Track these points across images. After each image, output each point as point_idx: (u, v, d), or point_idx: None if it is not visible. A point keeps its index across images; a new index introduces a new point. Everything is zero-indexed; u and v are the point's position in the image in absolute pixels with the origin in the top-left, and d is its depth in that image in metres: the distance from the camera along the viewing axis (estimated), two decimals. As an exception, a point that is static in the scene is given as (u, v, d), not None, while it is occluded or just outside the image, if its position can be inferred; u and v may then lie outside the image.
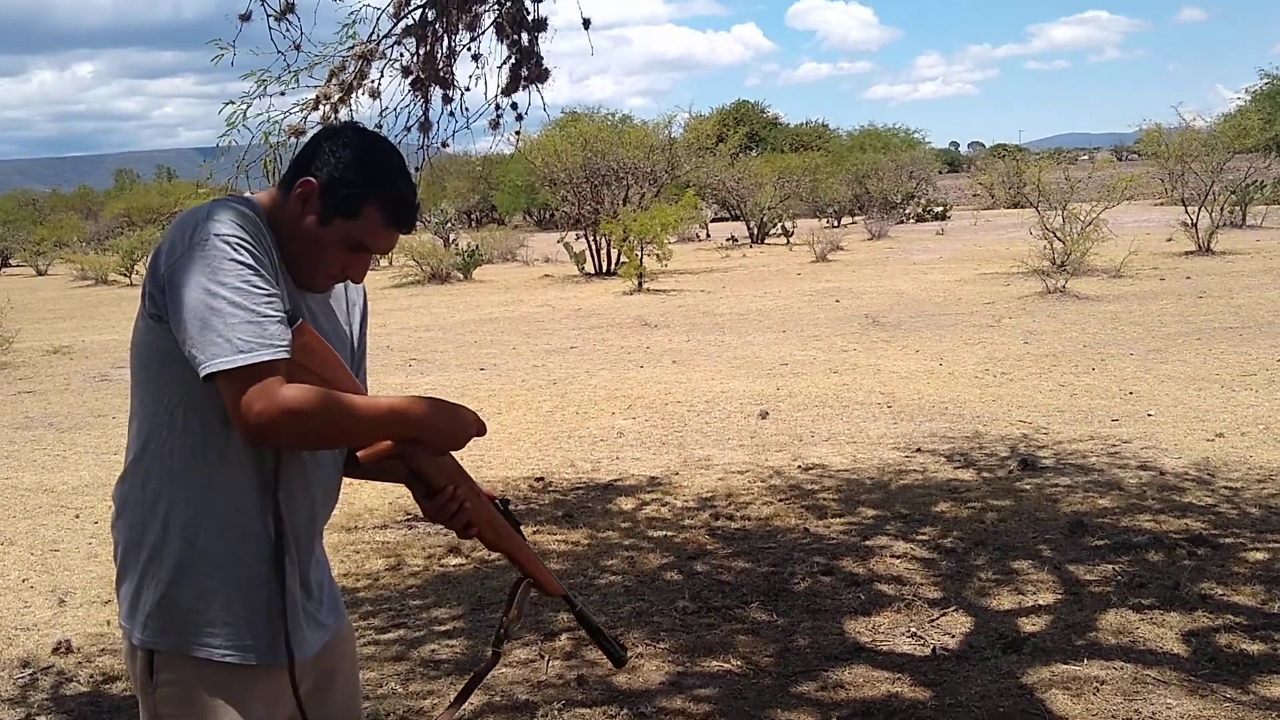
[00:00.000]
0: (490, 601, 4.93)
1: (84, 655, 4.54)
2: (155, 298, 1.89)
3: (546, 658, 4.29)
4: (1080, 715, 3.62)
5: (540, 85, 6.06)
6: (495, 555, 5.50)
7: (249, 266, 1.83)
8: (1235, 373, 9.65)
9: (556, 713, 3.79)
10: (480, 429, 2.02)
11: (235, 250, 1.83)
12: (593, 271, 23.73)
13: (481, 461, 7.65)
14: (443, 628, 4.66)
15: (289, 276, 1.99)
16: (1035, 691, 3.82)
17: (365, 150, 1.99)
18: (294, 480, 2.00)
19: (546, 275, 24.65)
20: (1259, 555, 5.08)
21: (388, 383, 11.01)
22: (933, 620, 4.54)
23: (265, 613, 1.96)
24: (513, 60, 5.99)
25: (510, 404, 9.73)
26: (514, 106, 6.07)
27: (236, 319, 1.80)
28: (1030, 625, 4.42)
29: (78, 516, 6.69)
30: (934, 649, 4.24)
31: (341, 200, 1.95)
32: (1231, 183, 23.68)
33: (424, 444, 1.94)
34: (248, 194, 2.05)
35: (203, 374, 1.80)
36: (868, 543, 5.56)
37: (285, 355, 1.83)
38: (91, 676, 4.33)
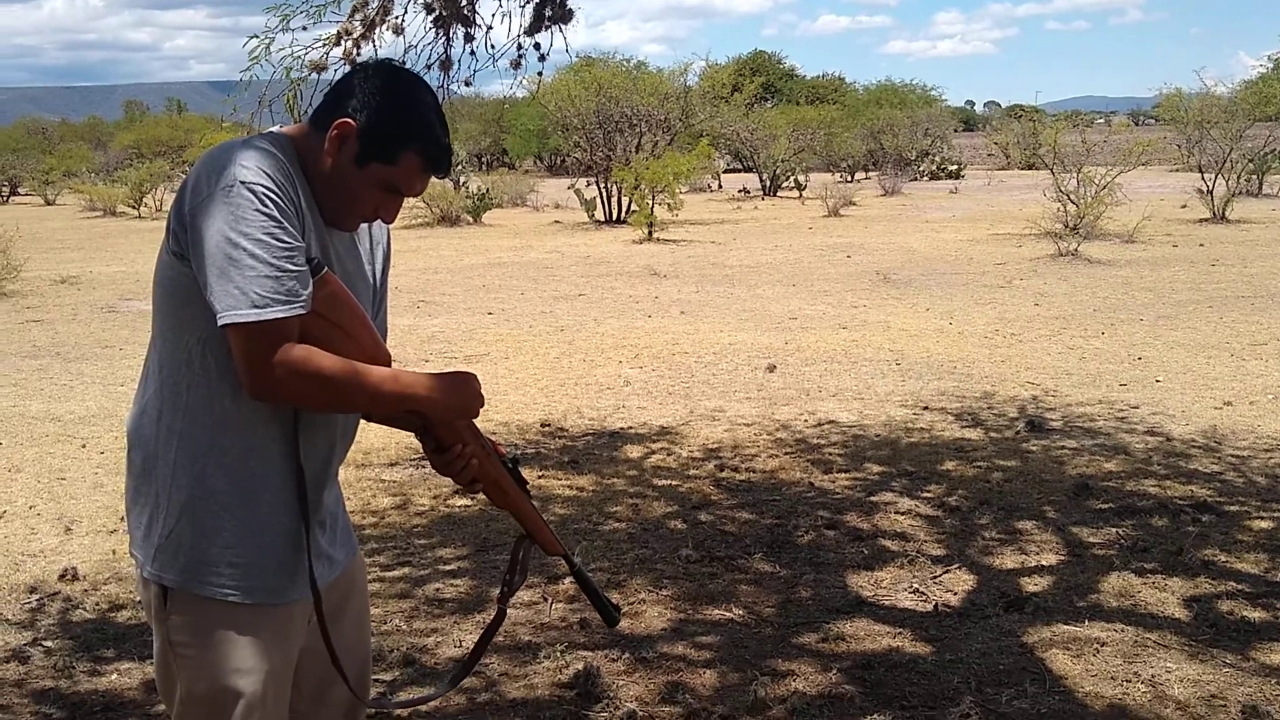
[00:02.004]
0: (495, 544, 4.95)
1: (90, 583, 4.57)
2: (178, 235, 1.89)
3: (550, 601, 4.32)
4: (1080, 676, 3.64)
5: (563, 26, 6.00)
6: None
7: (273, 219, 1.82)
8: (1245, 341, 9.62)
9: (559, 654, 3.82)
10: (481, 402, 2.04)
11: (261, 201, 1.82)
12: (603, 219, 23.64)
13: (489, 405, 7.65)
14: (447, 567, 4.68)
15: (317, 214, 1.98)
16: (1035, 651, 3.84)
17: (405, 93, 1.97)
18: (315, 420, 2.01)
19: (556, 221, 24.56)
20: (1263, 524, 5.08)
21: (396, 324, 10.92)
22: (935, 577, 4.55)
23: (273, 553, 1.98)
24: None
25: (518, 349, 9.72)
26: (536, 47, 6.00)
27: (255, 272, 1.79)
28: (1032, 585, 4.44)
29: (84, 446, 6.72)
30: (936, 605, 4.26)
31: (380, 144, 1.93)
32: (1250, 151, 23.47)
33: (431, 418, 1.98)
34: (276, 129, 2.02)
35: (220, 323, 1.81)
36: (872, 498, 5.57)
37: (301, 312, 1.83)
38: (97, 604, 4.36)
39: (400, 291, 13.29)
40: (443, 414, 1.97)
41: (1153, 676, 3.61)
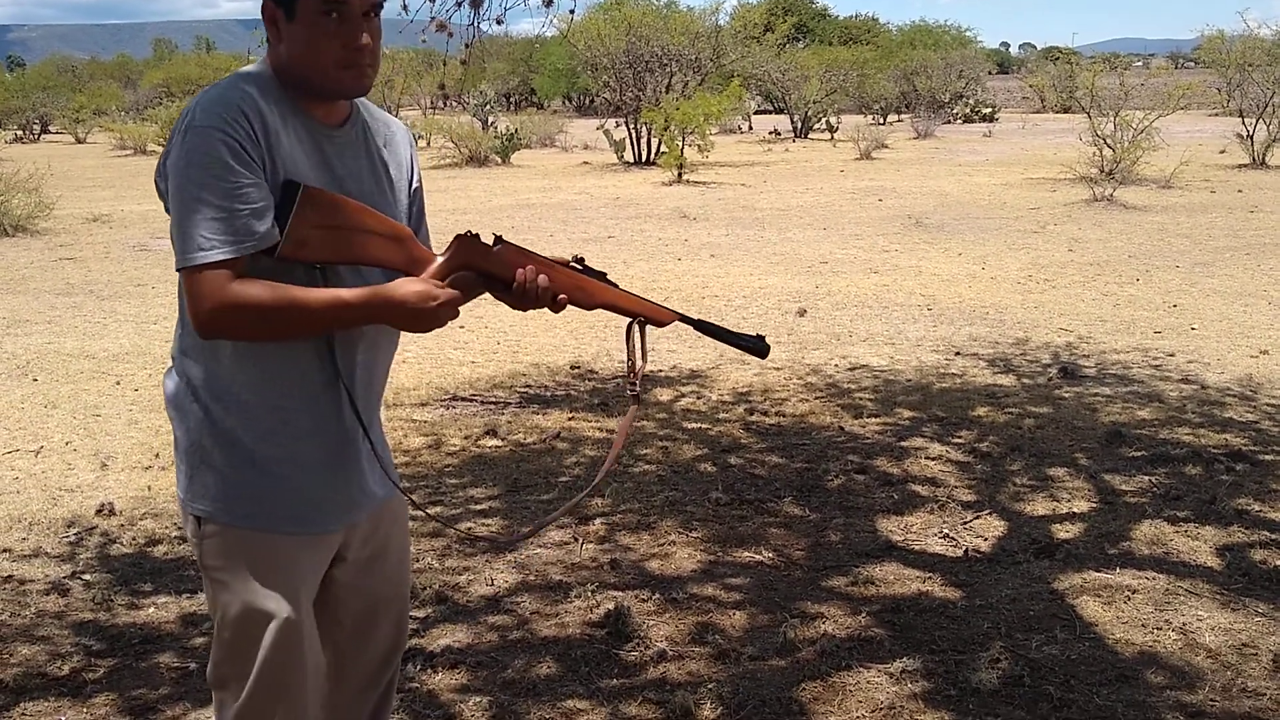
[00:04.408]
0: (526, 484, 4.98)
1: (127, 518, 4.63)
2: (159, 188, 1.94)
3: (581, 541, 4.34)
4: (1110, 623, 3.64)
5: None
6: (531, 438, 5.54)
7: (219, 159, 1.82)
8: (1283, 289, 9.49)
9: (590, 594, 3.84)
10: (442, 302, 1.97)
11: (208, 141, 1.83)
12: (632, 160, 23.50)
13: (518, 347, 7.68)
14: (479, 507, 4.71)
15: (307, 130, 1.96)
16: (1066, 597, 3.83)
17: None
18: (353, 349, 2.02)
19: (585, 162, 24.43)
20: (1298, 473, 5.04)
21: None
22: (965, 523, 4.55)
23: (300, 484, 2.01)
24: (566, -63, 5.84)
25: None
26: (566, -14, 5.94)
27: (202, 214, 1.82)
28: (1064, 532, 4.43)
29: (118, 383, 6.78)
30: (966, 550, 4.25)
31: None
32: (1292, 94, 22.99)
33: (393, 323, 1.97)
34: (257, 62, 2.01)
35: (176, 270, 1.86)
36: (903, 443, 5.56)
37: (255, 247, 1.84)
38: (134, 539, 4.42)
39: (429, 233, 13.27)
40: (395, 323, 1.97)
41: (1184, 624, 3.61)
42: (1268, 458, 5.25)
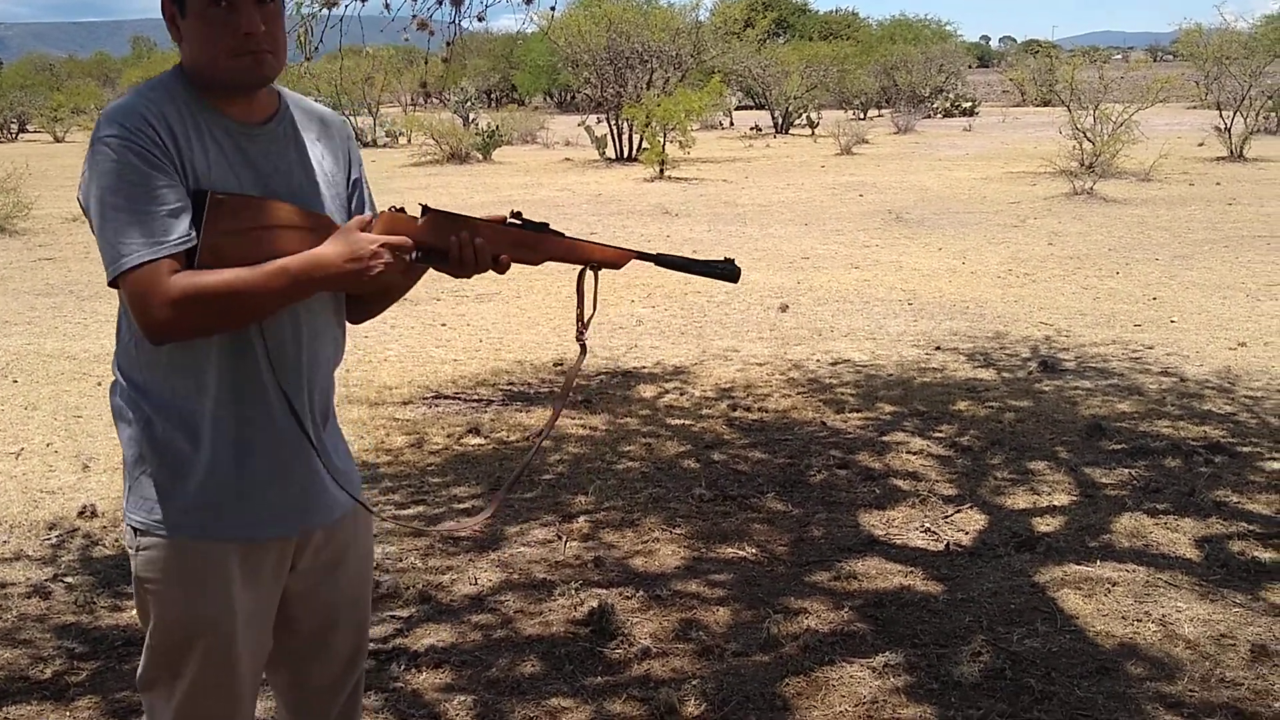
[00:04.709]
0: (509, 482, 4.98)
1: (109, 520, 4.62)
2: (81, 206, 1.90)
3: (564, 539, 4.35)
4: (1091, 615, 3.66)
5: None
6: (514, 436, 5.53)
7: (128, 165, 1.80)
8: (1261, 282, 9.56)
9: (574, 592, 3.85)
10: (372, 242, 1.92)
11: (114, 150, 1.81)
12: (613, 157, 23.49)
13: (500, 344, 7.68)
14: (462, 505, 4.71)
15: (224, 130, 1.93)
16: (1047, 590, 3.86)
17: None
18: (288, 354, 1.98)
19: (567, 159, 24.41)
20: (1276, 464, 5.08)
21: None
22: (947, 517, 4.57)
23: (235, 492, 1.96)
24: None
25: (529, 288, 9.70)
26: (548, -19, 5.95)
27: (120, 221, 1.80)
28: (1044, 525, 4.45)
29: (99, 384, 6.75)
30: (947, 544, 4.28)
31: None
32: (1269, 88, 23.15)
33: (335, 285, 1.92)
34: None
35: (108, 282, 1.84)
36: (885, 438, 5.58)
37: (178, 248, 1.82)
38: (116, 540, 4.41)
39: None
40: (339, 282, 1.91)
41: (1163, 616, 3.64)
42: (1246, 449, 5.30)
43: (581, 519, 4.55)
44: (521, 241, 2.01)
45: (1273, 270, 10.07)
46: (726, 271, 2.16)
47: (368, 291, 2.01)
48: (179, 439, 1.94)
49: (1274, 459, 5.15)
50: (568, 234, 2.07)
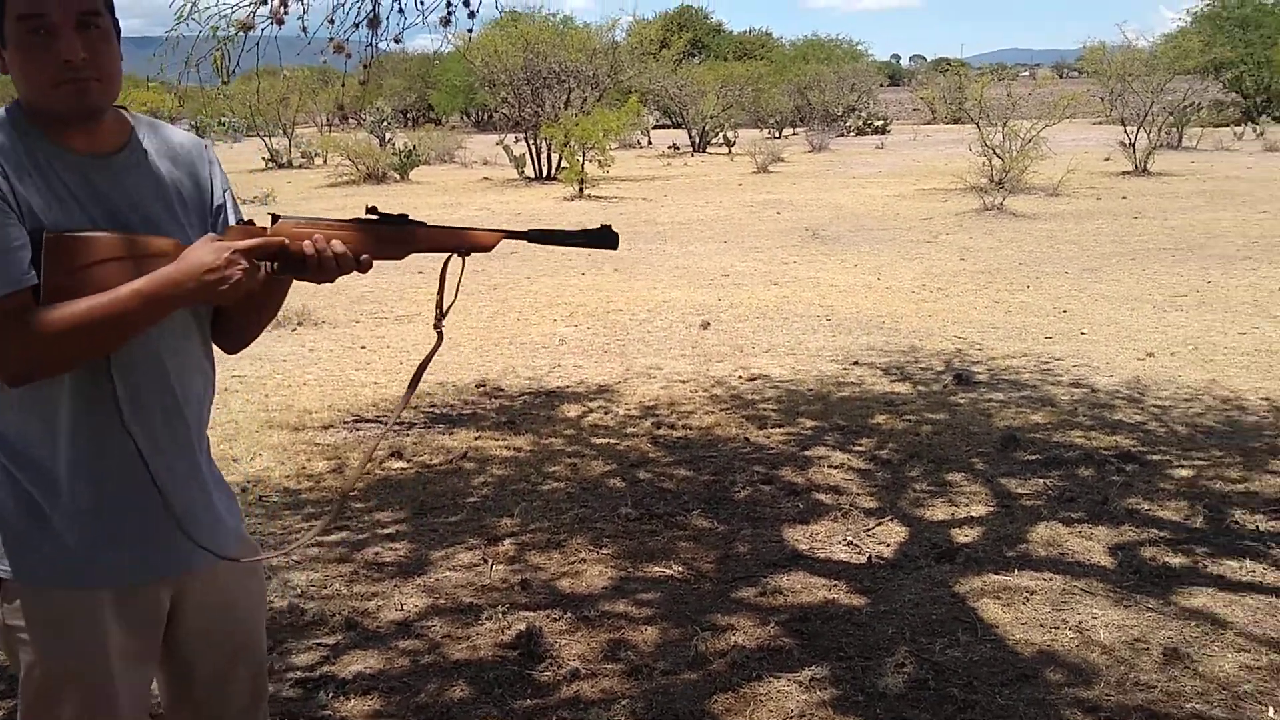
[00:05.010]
0: (433, 506, 4.95)
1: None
2: None
3: (490, 562, 4.33)
4: (1010, 624, 3.74)
5: (491, -17, 5.93)
6: (437, 459, 5.49)
7: None
8: (1167, 293, 9.85)
9: (501, 615, 3.84)
10: (239, 255, 1.86)
11: None
12: (532, 176, 23.50)
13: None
14: (386, 531, 4.67)
15: (69, 158, 1.87)
16: (967, 600, 3.93)
17: None
18: (143, 398, 1.93)
19: (485, 178, 24.35)
20: (1184, 472, 5.24)
21: (321, 285, 10.86)
22: (869, 529, 4.64)
23: (96, 537, 1.91)
24: (463, -45, 5.85)
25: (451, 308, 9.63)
26: (466, 3, 5.95)
27: None
28: (963, 536, 4.54)
29: None
30: (870, 557, 4.34)
31: None
32: (1170, 104, 23.90)
33: (189, 300, 1.87)
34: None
35: None
36: (806, 453, 5.65)
37: (17, 287, 1.76)
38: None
39: (329, 252, 13.12)
40: (192, 286, 1.84)
41: (1080, 623, 3.73)
42: (1155, 458, 5.45)
43: (507, 541, 4.54)
44: (383, 238, 1.97)
45: (1178, 282, 10.38)
46: (604, 238, 2.12)
47: (228, 302, 1.92)
48: (38, 487, 1.88)
49: (1183, 467, 5.31)
50: (429, 222, 2.03)
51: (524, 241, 2.11)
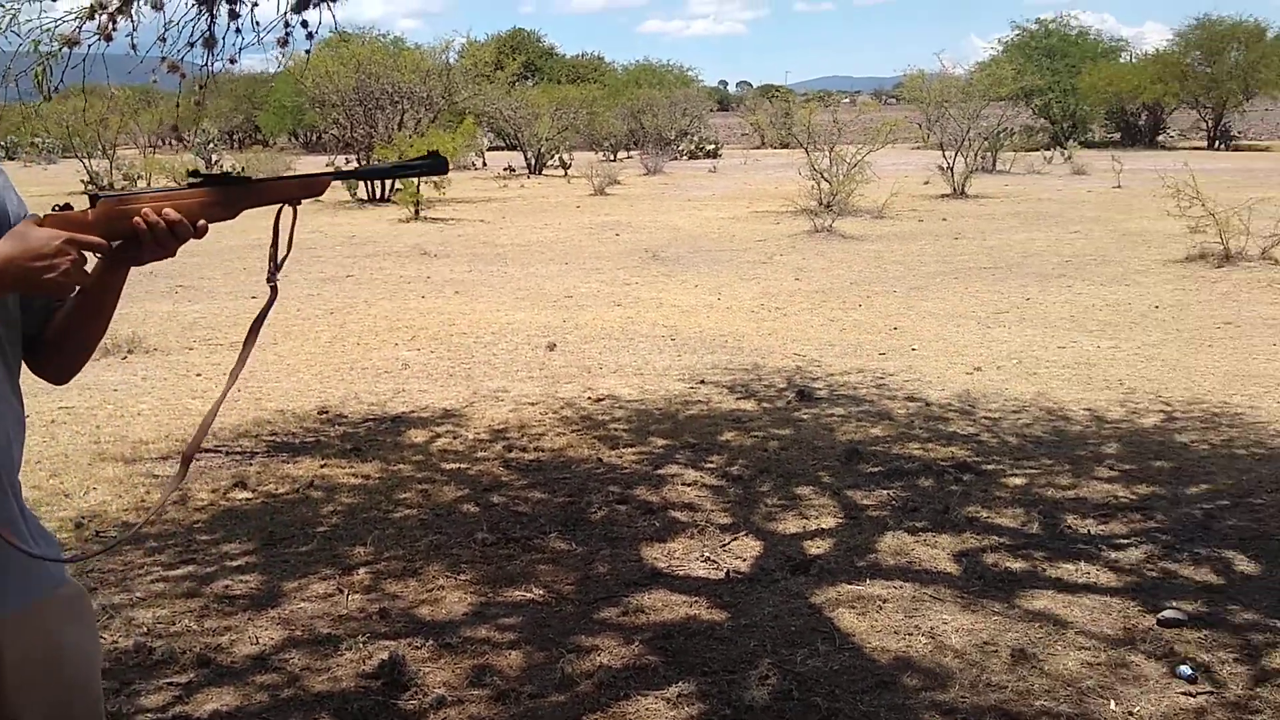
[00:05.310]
0: (282, 536, 4.81)
1: None
2: None
3: (346, 591, 4.23)
4: (866, 632, 3.85)
5: (332, 3, 5.85)
6: (283, 488, 5.35)
7: None
8: (989, 310, 10.30)
9: (361, 645, 3.76)
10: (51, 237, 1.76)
11: None
12: (365, 198, 23.12)
13: (260, 394, 7.41)
14: (235, 563, 4.52)
15: None
16: (824, 611, 4.03)
17: None
18: None
19: (317, 200, 23.74)
20: (1017, 480, 5.48)
21: (154, 310, 10.48)
22: (724, 545, 4.71)
23: None
24: (303, -25, 5.74)
25: (286, 334, 9.42)
26: (304, 24, 5.83)
27: None
28: (815, 548, 4.65)
29: None
30: (727, 572, 4.41)
31: None
32: (985, 129, 25.03)
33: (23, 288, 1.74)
34: None
35: None
36: (659, 471, 5.70)
37: None
38: None
39: (155, 276, 12.62)
40: (19, 272, 1.71)
41: (932, 628, 3.86)
42: (989, 467, 5.69)
43: (362, 570, 4.44)
44: (211, 200, 1.91)
45: (999, 299, 10.86)
46: (434, 165, 2.07)
47: (54, 295, 1.81)
48: None
49: (1015, 475, 5.56)
50: (255, 177, 1.98)
51: (344, 178, 2.07)
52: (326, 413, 6.94)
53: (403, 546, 4.70)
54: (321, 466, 5.79)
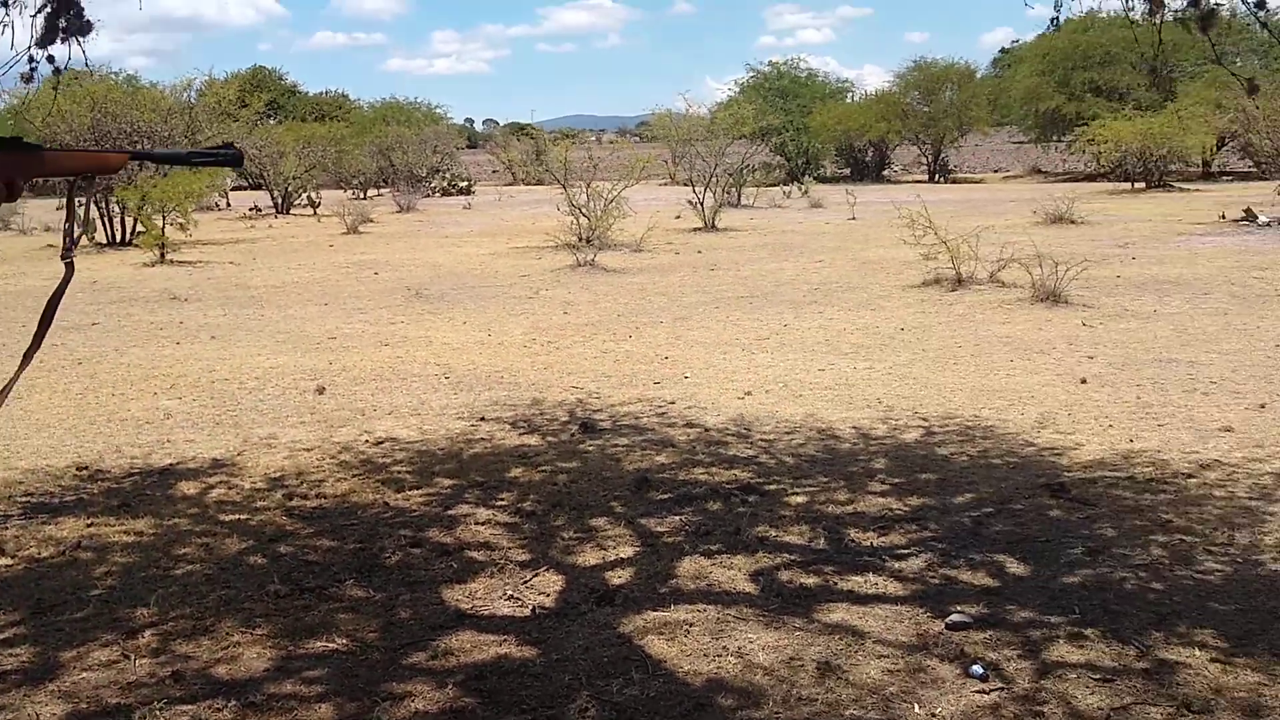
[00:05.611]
0: (52, 603, 4.48)
1: None
2: None
3: (132, 657, 3.98)
4: (677, 657, 3.91)
5: (82, 38, 5.56)
6: (47, 551, 5.00)
7: None
8: (751, 337, 10.68)
9: (157, 713, 3.54)
10: None
11: None
12: (105, 241, 21.88)
13: (8, 451, 6.90)
14: (1, 636, 4.18)
15: None
16: (633, 639, 4.07)
17: None
18: None
19: (50, 245, 22.33)
20: (799, 499, 5.70)
21: None
22: (526, 581, 4.69)
23: None
24: (49, 9, 5.44)
25: (31, 388, 8.78)
26: (50, 60, 5.53)
27: None
28: (617, 578, 4.70)
29: None
30: (533, 609, 4.39)
31: None
32: (729, 166, 25.96)
33: None
34: None
35: None
36: (450, 512, 5.63)
37: None
38: None
39: None
40: None
41: (739, 648, 3.96)
42: (772, 487, 5.89)
43: (148, 633, 4.19)
44: (2, 164, 1.83)
45: (759, 325, 11.28)
46: (230, 156, 2.08)
47: None
48: None
49: (797, 494, 5.77)
50: (46, 146, 1.92)
51: (140, 158, 2.02)
52: (86, 468, 6.52)
53: (190, 604, 4.47)
54: (88, 525, 5.44)
